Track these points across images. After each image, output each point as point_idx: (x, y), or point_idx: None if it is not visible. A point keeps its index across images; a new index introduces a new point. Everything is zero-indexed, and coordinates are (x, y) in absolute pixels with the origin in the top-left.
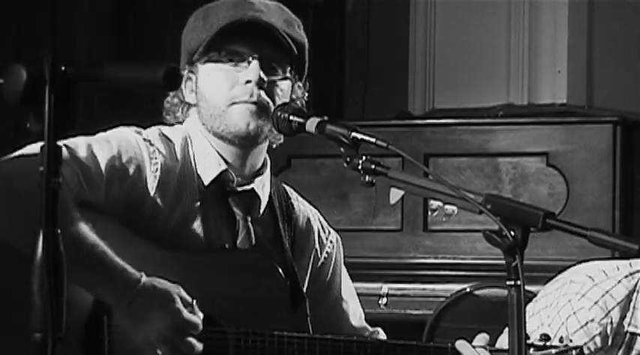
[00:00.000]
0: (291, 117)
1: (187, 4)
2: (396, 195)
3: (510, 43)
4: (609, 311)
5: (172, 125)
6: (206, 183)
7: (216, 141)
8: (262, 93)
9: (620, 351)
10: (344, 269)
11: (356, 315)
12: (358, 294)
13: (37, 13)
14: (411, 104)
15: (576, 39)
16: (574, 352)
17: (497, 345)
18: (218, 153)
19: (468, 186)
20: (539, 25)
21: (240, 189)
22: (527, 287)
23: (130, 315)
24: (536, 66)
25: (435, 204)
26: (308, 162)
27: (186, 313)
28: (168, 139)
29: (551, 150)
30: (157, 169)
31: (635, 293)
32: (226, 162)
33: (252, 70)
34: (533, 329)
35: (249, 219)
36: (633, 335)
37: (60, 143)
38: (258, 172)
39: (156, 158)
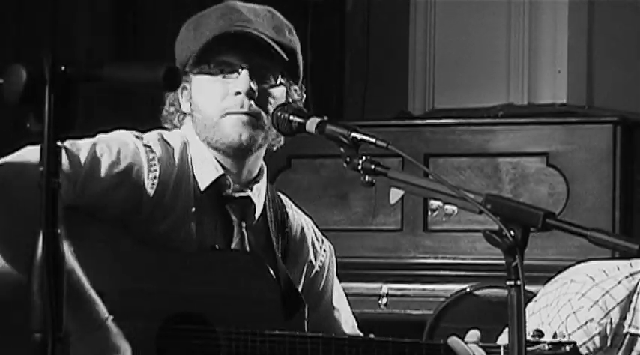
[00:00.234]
0: (291, 117)
1: (187, 4)
2: (396, 195)
3: (510, 43)
4: (609, 311)
5: (171, 130)
6: (202, 188)
7: (211, 150)
8: (253, 103)
9: (620, 352)
10: (336, 278)
11: (348, 323)
12: (358, 294)
13: (37, 13)
14: (411, 104)
15: (576, 39)
16: (567, 347)
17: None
18: (215, 158)
19: (468, 186)
20: (539, 25)
21: (236, 195)
22: (527, 287)
23: (82, 348)
24: (536, 66)
25: (435, 204)
26: (308, 162)
27: None
28: (168, 144)
29: (551, 150)
30: (155, 176)
31: (635, 294)
32: (223, 167)
33: (241, 80)
34: (533, 328)
35: (243, 224)
36: (634, 336)
37: (62, 145)
38: (255, 179)
39: (155, 164)
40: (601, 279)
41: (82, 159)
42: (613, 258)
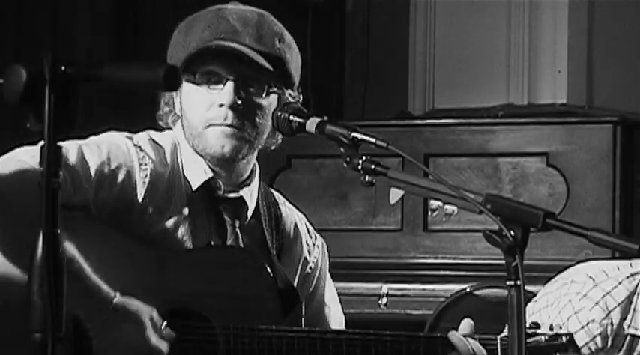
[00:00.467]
0: (291, 117)
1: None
2: (396, 195)
3: (510, 43)
4: (610, 312)
5: (163, 130)
6: (194, 187)
7: (199, 155)
8: (237, 115)
9: (621, 353)
10: (328, 275)
11: (337, 321)
12: (358, 294)
13: (37, 13)
14: (411, 104)
15: (576, 39)
16: (564, 338)
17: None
18: (204, 161)
19: (468, 186)
20: (539, 25)
21: (229, 195)
22: (527, 287)
23: (102, 334)
24: (536, 66)
25: (435, 204)
26: (308, 162)
27: (153, 341)
28: (158, 145)
29: (551, 150)
30: (146, 175)
31: (635, 295)
32: (213, 170)
33: (225, 93)
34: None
35: (237, 224)
36: (634, 337)
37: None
38: (246, 181)
39: (145, 164)
40: (601, 280)
41: (72, 160)
42: (613, 257)
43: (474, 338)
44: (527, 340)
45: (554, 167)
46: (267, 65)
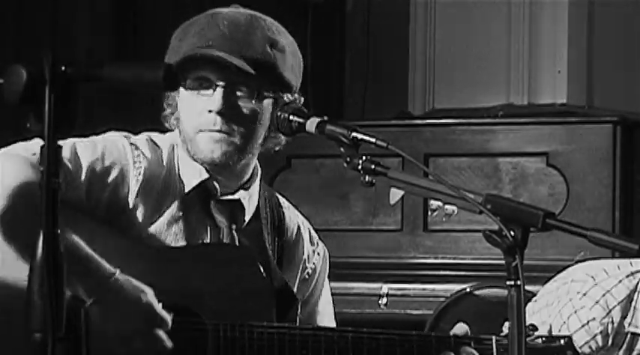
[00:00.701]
0: (291, 117)
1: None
2: (396, 195)
3: (510, 43)
4: (610, 310)
5: (166, 132)
6: (187, 189)
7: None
8: (226, 120)
9: (621, 352)
10: (327, 283)
11: None
12: (358, 294)
13: (37, 13)
14: (411, 104)
15: (576, 39)
16: (562, 341)
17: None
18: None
19: (468, 186)
20: (539, 25)
21: (225, 198)
22: (527, 287)
23: (104, 308)
24: (536, 66)
25: (435, 204)
26: (308, 162)
27: (159, 307)
28: (156, 145)
29: (551, 150)
30: (140, 173)
31: (635, 294)
32: (209, 173)
33: (214, 99)
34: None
35: (233, 227)
36: (634, 335)
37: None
38: (245, 184)
39: (140, 162)
40: (602, 278)
41: (64, 155)
42: (613, 257)
43: (470, 340)
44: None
45: (554, 167)
46: (251, 70)
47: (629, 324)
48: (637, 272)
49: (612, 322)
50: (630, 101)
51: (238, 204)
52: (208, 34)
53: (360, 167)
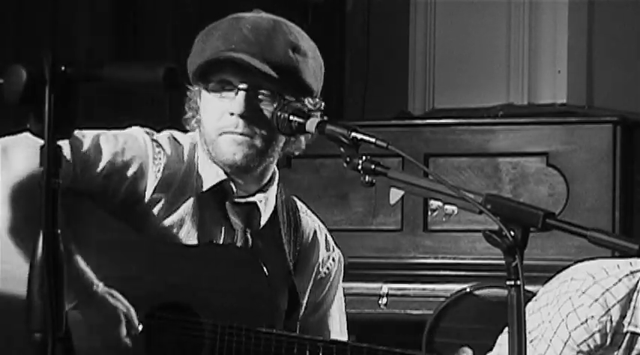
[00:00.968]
0: (291, 117)
1: (187, 4)
2: (396, 195)
3: (510, 43)
4: (609, 309)
5: (187, 132)
6: (204, 188)
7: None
8: (248, 123)
9: (621, 351)
10: (340, 288)
11: (337, 334)
12: (358, 294)
13: (37, 13)
14: (411, 104)
15: (576, 39)
16: None
17: (498, 342)
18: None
19: (468, 186)
20: (539, 25)
21: (241, 200)
22: (527, 287)
23: (78, 318)
24: (536, 66)
25: (435, 204)
26: (308, 162)
27: (123, 334)
28: (178, 142)
29: (551, 150)
30: (159, 170)
31: (635, 293)
32: (228, 175)
33: (237, 102)
34: (534, 327)
35: (248, 230)
36: (634, 334)
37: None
38: (263, 187)
39: (160, 159)
40: (601, 277)
41: (85, 145)
42: (613, 257)
43: None
44: None
45: (554, 167)
46: (273, 74)
47: (629, 323)
48: (637, 271)
49: (611, 321)
50: (630, 101)
51: (254, 207)
52: (231, 38)
53: (360, 167)
